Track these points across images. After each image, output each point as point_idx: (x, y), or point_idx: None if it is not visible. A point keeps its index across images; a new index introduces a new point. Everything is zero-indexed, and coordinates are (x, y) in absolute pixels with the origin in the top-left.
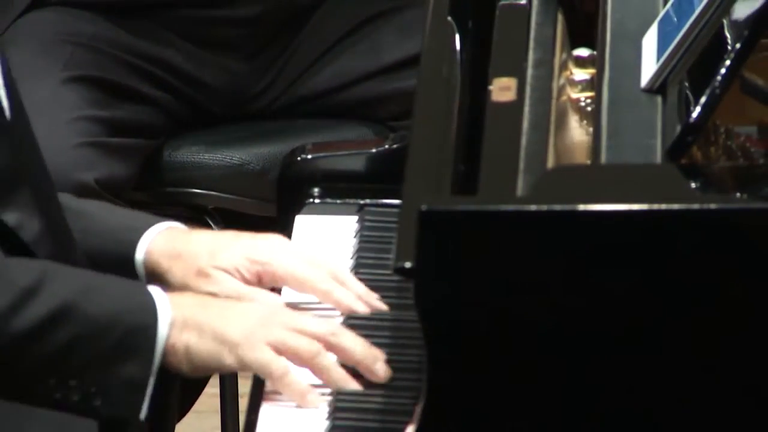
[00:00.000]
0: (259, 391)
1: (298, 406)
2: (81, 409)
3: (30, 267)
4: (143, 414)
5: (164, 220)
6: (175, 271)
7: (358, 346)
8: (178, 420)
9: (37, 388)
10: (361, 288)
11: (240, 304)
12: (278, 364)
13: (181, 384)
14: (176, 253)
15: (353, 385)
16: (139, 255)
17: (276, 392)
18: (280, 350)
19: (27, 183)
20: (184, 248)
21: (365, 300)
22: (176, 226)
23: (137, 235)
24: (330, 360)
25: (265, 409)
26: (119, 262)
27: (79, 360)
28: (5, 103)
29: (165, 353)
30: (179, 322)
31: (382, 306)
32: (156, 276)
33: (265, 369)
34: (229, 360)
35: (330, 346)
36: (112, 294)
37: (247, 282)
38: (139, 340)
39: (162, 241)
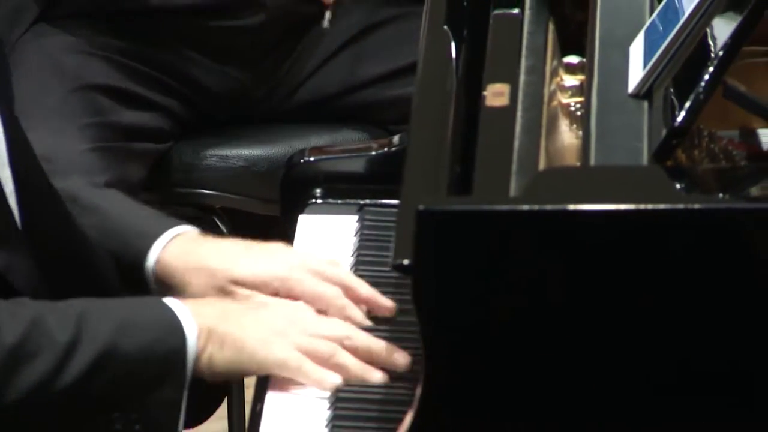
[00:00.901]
0: (265, 382)
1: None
2: None
3: (66, 316)
4: (180, 427)
5: (176, 224)
6: (195, 286)
7: (373, 345)
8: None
9: (82, 424)
10: (369, 290)
11: (258, 311)
12: (293, 357)
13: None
14: (192, 267)
15: (376, 376)
16: (150, 263)
17: (281, 383)
18: (302, 348)
19: (15, 229)
20: (200, 263)
21: (374, 303)
22: (187, 231)
23: (149, 243)
24: (347, 358)
25: (270, 399)
26: (130, 266)
27: (120, 394)
28: (12, 200)
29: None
30: (204, 333)
31: (389, 304)
32: (170, 285)
33: (282, 366)
34: (248, 366)
35: (346, 349)
36: (143, 325)
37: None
38: (171, 365)
39: (175, 251)
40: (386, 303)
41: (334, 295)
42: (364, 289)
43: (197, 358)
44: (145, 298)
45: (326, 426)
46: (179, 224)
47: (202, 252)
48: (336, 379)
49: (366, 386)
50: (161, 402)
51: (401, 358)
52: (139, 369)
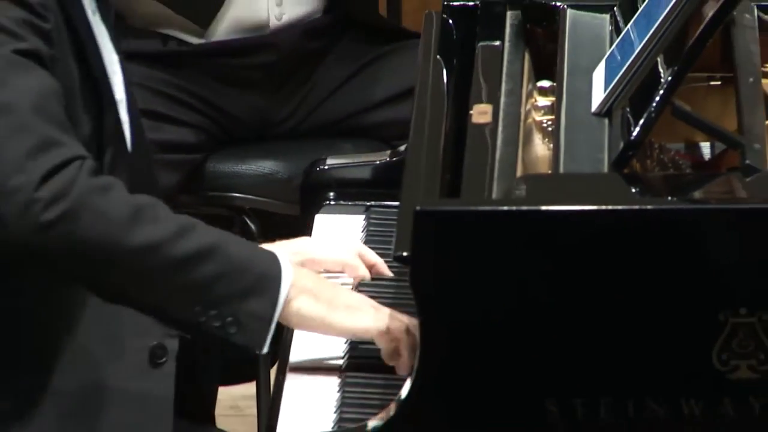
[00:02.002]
0: (286, 351)
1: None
2: (220, 335)
3: (185, 216)
4: (266, 348)
5: None
6: None
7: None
8: (230, 382)
9: (186, 312)
10: (377, 258)
11: (348, 289)
12: (375, 328)
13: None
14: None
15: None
16: None
17: (299, 366)
18: (387, 330)
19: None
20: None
21: (378, 269)
22: None
23: None
24: (407, 350)
25: (292, 366)
26: None
27: (220, 292)
28: (127, 132)
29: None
30: (298, 285)
31: (389, 273)
32: None
33: (366, 332)
34: (336, 322)
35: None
36: (248, 245)
37: None
38: (267, 284)
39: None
40: (386, 271)
41: (349, 256)
42: (373, 256)
43: (288, 304)
44: None
45: (338, 391)
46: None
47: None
48: (407, 370)
49: (372, 355)
50: (253, 314)
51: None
52: (238, 274)
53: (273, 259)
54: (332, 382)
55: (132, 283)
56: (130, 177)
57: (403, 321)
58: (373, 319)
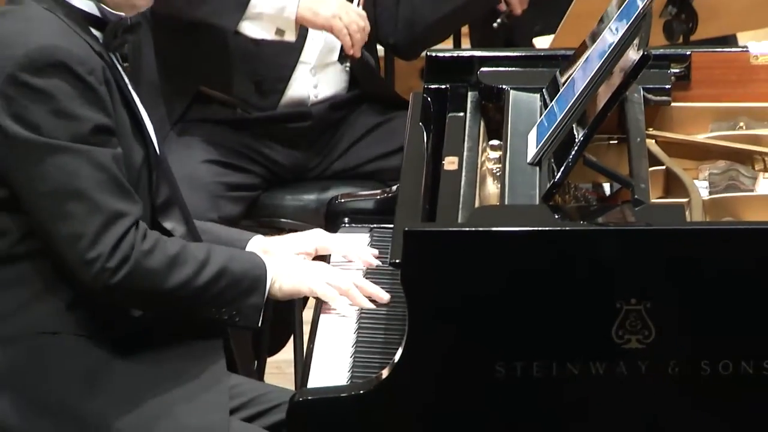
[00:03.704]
0: (315, 324)
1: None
2: (229, 323)
3: (201, 247)
4: (260, 324)
5: (255, 235)
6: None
7: (371, 287)
8: (273, 353)
9: (206, 313)
10: (366, 250)
11: (305, 262)
12: (326, 288)
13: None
14: (266, 250)
15: (369, 304)
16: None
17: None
18: (329, 283)
19: (177, 204)
20: (270, 247)
21: (367, 257)
22: (261, 237)
23: (243, 245)
24: (356, 292)
25: (320, 326)
26: None
27: (228, 297)
28: (155, 142)
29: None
30: (276, 273)
31: (376, 262)
32: None
33: (320, 292)
34: (304, 289)
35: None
36: (244, 260)
37: (310, 253)
38: (258, 283)
39: (255, 247)
40: (372, 260)
41: (356, 246)
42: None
43: (272, 285)
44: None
45: (350, 356)
46: (257, 234)
47: (272, 242)
48: (349, 311)
49: (377, 322)
50: (251, 306)
51: (383, 295)
52: (239, 283)
53: (260, 263)
54: (347, 351)
55: (173, 307)
56: (168, 184)
57: (340, 273)
58: (316, 277)
